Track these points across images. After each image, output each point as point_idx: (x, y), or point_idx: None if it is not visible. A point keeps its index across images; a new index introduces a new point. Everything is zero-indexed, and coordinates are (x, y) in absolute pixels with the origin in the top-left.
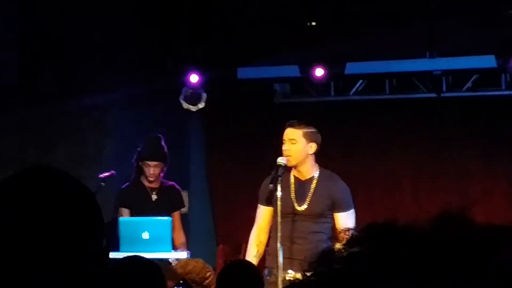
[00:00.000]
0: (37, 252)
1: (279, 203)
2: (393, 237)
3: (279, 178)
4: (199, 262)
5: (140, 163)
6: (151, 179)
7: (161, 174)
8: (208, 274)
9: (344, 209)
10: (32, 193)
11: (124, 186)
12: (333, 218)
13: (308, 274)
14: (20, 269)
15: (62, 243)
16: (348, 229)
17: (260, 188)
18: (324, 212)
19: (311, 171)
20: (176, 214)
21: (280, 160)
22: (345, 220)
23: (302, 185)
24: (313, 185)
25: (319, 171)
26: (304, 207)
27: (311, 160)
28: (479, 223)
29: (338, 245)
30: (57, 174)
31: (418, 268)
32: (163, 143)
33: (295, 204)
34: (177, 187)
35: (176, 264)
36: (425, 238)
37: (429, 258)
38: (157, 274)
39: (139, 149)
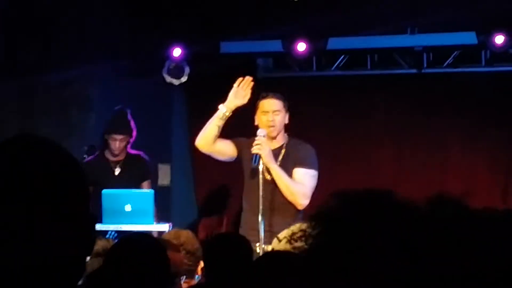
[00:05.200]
0: (25, 221)
1: (261, 176)
2: (390, 210)
3: None
4: (190, 233)
5: (106, 136)
6: (116, 152)
7: (128, 146)
8: (198, 244)
9: (303, 165)
10: (18, 161)
11: (86, 160)
12: None
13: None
14: (9, 238)
15: (50, 211)
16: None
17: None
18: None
19: (281, 139)
20: (145, 184)
21: (260, 133)
22: (301, 176)
23: (273, 153)
24: (282, 153)
25: (288, 138)
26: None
27: (283, 129)
28: (476, 208)
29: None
30: (42, 142)
31: (413, 243)
32: (129, 116)
33: (265, 174)
34: (144, 156)
35: (167, 235)
36: (422, 216)
37: (426, 235)
38: (162, 254)
39: (106, 122)
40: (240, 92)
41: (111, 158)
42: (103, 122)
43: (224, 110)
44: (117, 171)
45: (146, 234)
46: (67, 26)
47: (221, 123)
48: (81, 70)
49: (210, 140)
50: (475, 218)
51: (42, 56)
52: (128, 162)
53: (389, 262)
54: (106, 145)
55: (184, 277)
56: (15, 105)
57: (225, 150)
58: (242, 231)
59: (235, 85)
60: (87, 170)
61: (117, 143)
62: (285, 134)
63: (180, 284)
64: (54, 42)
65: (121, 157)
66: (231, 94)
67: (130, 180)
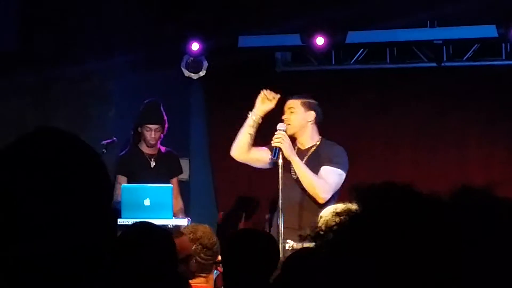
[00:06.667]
0: (45, 214)
1: (280, 170)
2: (412, 201)
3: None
4: (207, 227)
5: (139, 128)
6: (152, 142)
7: (158, 142)
8: (215, 239)
9: (330, 163)
10: (39, 154)
11: (122, 153)
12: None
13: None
14: (32, 231)
15: (71, 204)
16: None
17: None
18: None
19: (310, 140)
20: (174, 180)
21: (280, 127)
22: (326, 173)
23: (302, 154)
24: (310, 152)
25: (320, 141)
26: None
27: (311, 129)
28: (503, 198)
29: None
30: (63, 135)
31: (435, 234)
32: (162, 108)
33: (292, 173)
34: (175, 153)
35: (185, 230)
36: (444, 206)
37: (447, 225)
38: (168, 241)
39: (138, 114)
40: (267, 97)
41: (146, 151)
42: (136, 114)
43: (253, 117)
44: (152, 164)
45: (149, 222)
46: (86, 19)
47: (252, 130)
48: (100, 63)
49: (244, 148)
50: (504, 206)
51: (61, 49)
52: (162, 156)
53: (413, 254)
54: (139, 138)
55: (195, 258)
56: (34, 98)
57: (261, 157)
58: (272, 229)
59: (262, 91)
60: (123, 163)
61: (152, 133)
62: (319, 137)
63: (194, 265)
64: (72, 35)
65: (154, 151)
66: (258, 100)
67: (164, 174)
